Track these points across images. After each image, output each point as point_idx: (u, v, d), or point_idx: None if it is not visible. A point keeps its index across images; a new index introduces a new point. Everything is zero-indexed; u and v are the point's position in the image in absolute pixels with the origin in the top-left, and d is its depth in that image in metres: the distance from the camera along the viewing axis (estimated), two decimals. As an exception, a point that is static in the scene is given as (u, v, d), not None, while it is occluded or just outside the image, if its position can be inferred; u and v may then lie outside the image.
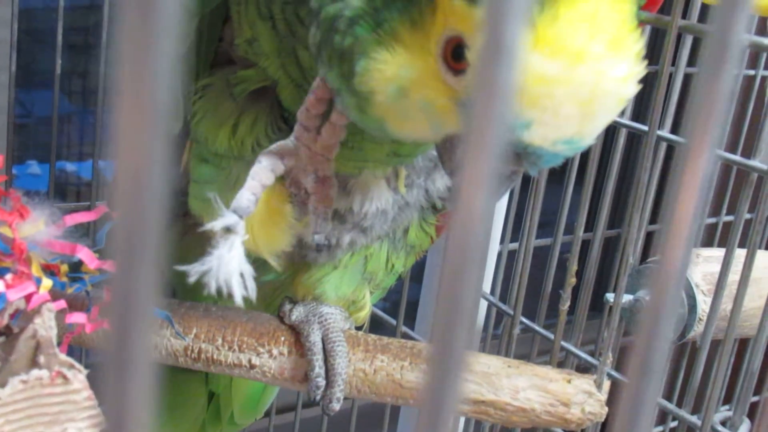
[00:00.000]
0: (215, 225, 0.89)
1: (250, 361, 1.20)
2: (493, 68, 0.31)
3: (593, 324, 1.72)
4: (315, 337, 1.17)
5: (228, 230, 0.89)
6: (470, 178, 0.34)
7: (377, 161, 1.07)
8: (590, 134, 0.77)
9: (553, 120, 0.74)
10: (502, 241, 1.64)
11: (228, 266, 0.88)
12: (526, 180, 1.84)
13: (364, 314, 1.28)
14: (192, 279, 0.87)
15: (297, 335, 1.20)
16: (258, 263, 0.99)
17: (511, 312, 1.48)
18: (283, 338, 1.20)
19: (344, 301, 1.25)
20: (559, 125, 0.74)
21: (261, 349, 1.20)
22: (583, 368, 1.33)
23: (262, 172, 0.99)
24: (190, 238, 1.18)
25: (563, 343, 1.41)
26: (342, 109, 0.90)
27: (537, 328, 1.49)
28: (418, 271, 1.89)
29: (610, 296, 1.48)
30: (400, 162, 1.11)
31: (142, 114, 0.28)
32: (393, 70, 0.78)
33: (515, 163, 0.80)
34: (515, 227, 1.68)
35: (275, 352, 1.20)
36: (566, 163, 1.64)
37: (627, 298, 1.50)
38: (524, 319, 1.48)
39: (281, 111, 1.05)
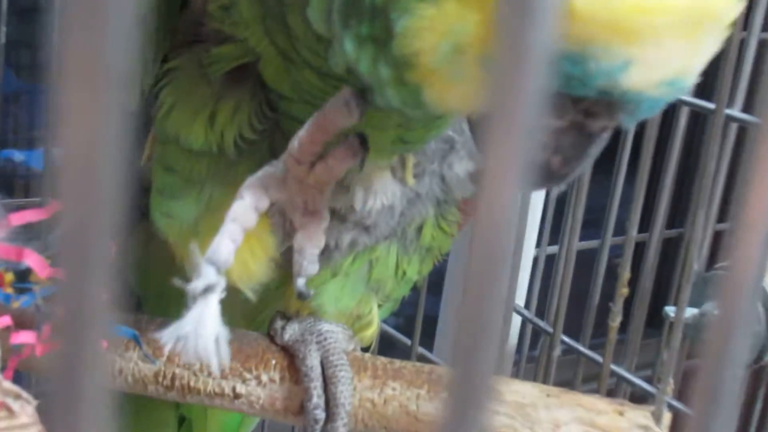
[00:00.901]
0: (195, 287, 0.93)
1: (234, 389, 1.19)
2: (522, 20, 0.31)
3: (650, 344, 1.73)
4: (312, 360, 1.17)
5: (209, 288, 0.94)
6: (496, 163, 0.34)
7: (381, 150, 1.08)
8: (696, 70, 0.78)
9: (656, 56, 0.75)
10: (538, 244, 1.65)
11: (205, 331, 0.93)
12: None
13: (372, 332, 1.28)
14: (166, 348, 0.91)
15: (291, 358, 1.20)
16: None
17: (550, 329, 1.48)
18: (273, 361, 1.20)
19: (347, 316, 1.25)
20: (663, 62, 0.75)
21: (248, 375, 1.20)
22: (639, 397, 1.32)
23: (244, 212, 1.01)
24: (156, 246, 1.19)
25: (614, 367, 1.40)
26: (371, 89, 0.90)
27: (582, 348, 1.49)
28: (436, 280, 1.89)
29: (670, 310, 1.48)
30: (407, 149, 1.11)
31: (93, 89, 0.28)
32: (445, 24, 0.79)
33: (606, 116, 0.81)
34: (554, 227, 1.68)
35: (265, 378, 1.20)
36: (615, 149, 1.66)
37: (691, 312, 1.49)
38: (566, 338, 1.47)
39: (265, 94, 1.06)
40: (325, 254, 1.17)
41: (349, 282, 1.23)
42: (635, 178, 1.38)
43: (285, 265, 1.17)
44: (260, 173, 1.04)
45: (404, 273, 1.25)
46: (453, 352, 0.34)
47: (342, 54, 0.89)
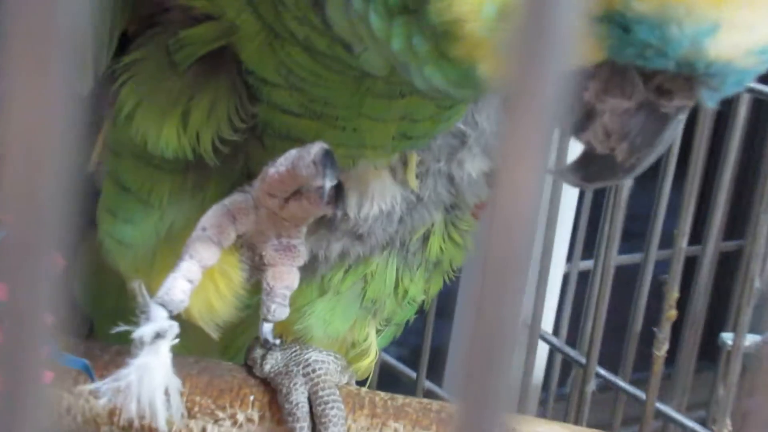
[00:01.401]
0: (142, 334, 0.96)
1: (204, 431, 1.18)
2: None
3: (703, 378, 1.73)
4: (298, 396, 1.16)
5: (159, 334, 0.96)
6: (514, 148, 0.34)
7: (379, 147, 1.08)
8: None
9: (747, 19, 0.75)
10: (569, 259, 1.66)
11: (151, 381, 0.95)
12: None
13: (369, 362, 1.28)
14: (102, 400, 0.94)
15: (272, 393, 1.19)
16: None
17: (584, 360, 1.47)
18: (252, 397, 1.20)
19: (339, 343, 1.25)
20: (754, 26, 0.76)
21: (220, 414, 1.19)
22: None
23: (204, 247, 1.03)
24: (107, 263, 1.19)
25: (659, 406, 1.40)
26: (398, 67, 0.90)
27: (621, 383, 1.48)
28: (446, 303, 1.88)
29: (727, 337, 1.47)
30: (410, 146, 1.11)
31: (39, 66, 0.28)
32: None
33: (684, 93, 0.80)
34: (588, 239, 1.69)
35: (241, 417, 1.19)
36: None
37: (752, 339, 1.46)
38: (602, 371, 1.47)
39: (246, 86, 1.06)
40: (310, 266, 1.18)
41: (341, 301, 1.23)
42: (684, 181, 1.38)
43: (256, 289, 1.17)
44: (227, 201, 1.05)
45: (406, 292, 1.25)
46: (461, 383, 0.35)
47: (368, 32, 0.88)
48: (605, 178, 0.91)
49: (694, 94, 0.80)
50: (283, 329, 1.23)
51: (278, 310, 1.08)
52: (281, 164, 1.01)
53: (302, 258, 1.07)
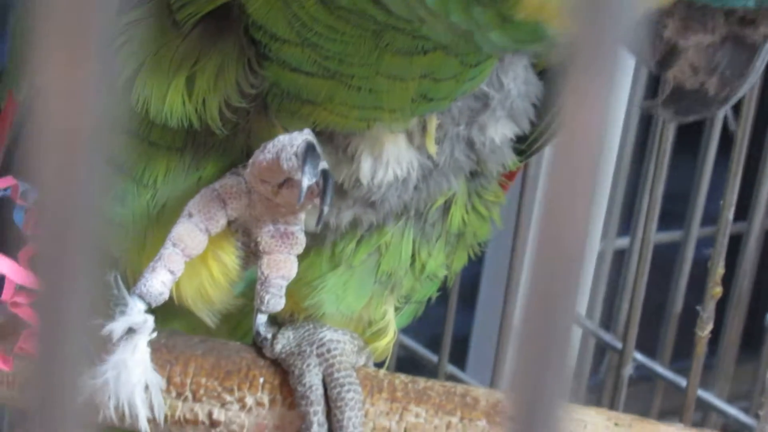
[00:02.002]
0: (112, 330, 0.97)
1: (210, 415, 1.18)
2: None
3: (748, 363, 1.70)
4: (312, 378, 1.16)
5: (131, 329, 0.97)
6: (581, 91, 0.34)
7: (398, 109, 1.06)
8: None
9: None
10: (603, 236, 1.63)
11: (130, 378, 0.97)
12: (641, 146, 1.85)
13: (387, 342, 1.27)
14: (79, 399, 0.90)
15: (284, 375, 1.19)
16: None
17: (619, 344, 1.45)
18: (262, 380, 1.19)
19: (355, 321, 1.24)
20: None
21: (228, 397, 1.18)
22: (732, 430, 1.35)
23: (189, 234, 1.03)
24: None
25: (701, 393, 1.37)
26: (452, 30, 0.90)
27: (659, 369, 1.46)
28: (469, 290, 1.86)
29: (775, 319, 1.46)
30: (431, 109, 1.09)
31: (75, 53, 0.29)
32: None
33: None
34: (624, 215, 1.68)
35: (250, 401, 1.18)
36: (702, 122, 1.64)
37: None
38: (639, 356, 1.45)
39: (255, 47, 1.05)
40: (320, 235, 1.17)
41: (354, 275, 1.22)
42: (729, 158, 1.36)
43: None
44: (217, 184, 1.05)
45: (423, 266, 1.24)
46: (515, 372, 0.36)
47: (425, 9, 0.89)
48: (698, 112, 0.96)
49: None
50: (293, 305, 1.22)
51: (272, 301, 1.08)
52: (269, 151, 1.01)
53: (300, 246, 1.07)
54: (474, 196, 1.22)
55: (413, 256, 1.23)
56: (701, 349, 1.32)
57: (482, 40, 0.90)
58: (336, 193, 1.13)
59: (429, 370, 1.61)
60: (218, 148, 1.10)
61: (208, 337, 1.22)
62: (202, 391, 1.18)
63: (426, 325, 1.38)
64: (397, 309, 1.27)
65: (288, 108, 1.06)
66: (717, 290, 1.29)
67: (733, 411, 1.40)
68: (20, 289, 0.99)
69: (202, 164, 1.10)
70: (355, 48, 0.99)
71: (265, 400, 1.18)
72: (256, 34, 1.04)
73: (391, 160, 1.12)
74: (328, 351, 1.17)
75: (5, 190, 1.05)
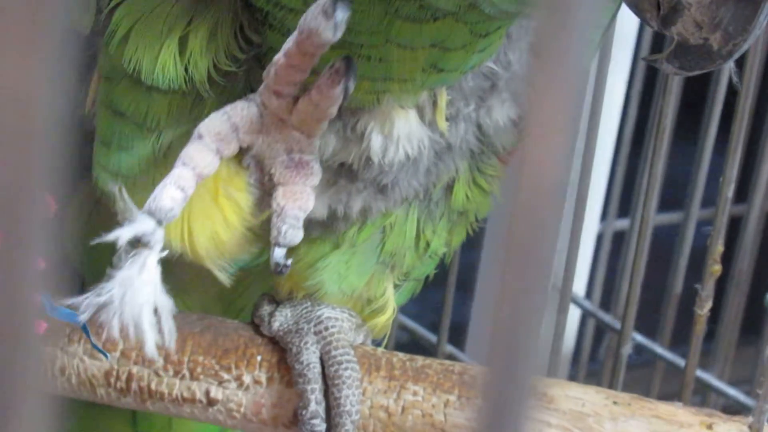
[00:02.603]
0: (121, 234, 0.92)
1: (207, 393, 1.18)
2: None
3: (748, 344, 1.70)
4: (310, 356, 1.16)
5: (139, 242, 0.93)
6: (546, 83, 0.34)
7: (407, 80, 1.05)
8: None
9: None
10: (603, 218, 1.63)
11: (136, 297, 0.92)
12: (640, 127, 1.85)
13: (386, 319, 1.26)
14: (82, 316, 0.91)
15: (281, 353, 1.19)
16: None
17: (618, 325, 1.44)
18: (259, 357, 1.19)
19: (354, 299, 1.23)
20: None
21: (225, 375, 1.18)
22: (732, 411, 1.30)
23: (200, 154, 1.00)
24: (104, 213, 1.16)
25: (700, 374, 1.37)
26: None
27: (658, 349, 1.47)
28: (467, 275, 1.86)
29: (774, 299, 1.46)
30: (441, 81, 1.08)
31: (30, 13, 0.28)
32: None
33: None
34: (624, 196, 1.68)
35: (247, 379, 1.18)
36: (702, 103, 1.64)
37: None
38: (638, 336, 1.46)
39: (250, 12, 1.04)
40: (329, 225, 1.17)
41: (357, 255, 1.21)
42: (729, 139, 1.35)
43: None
44: (228, 108, 1.02)
45: (427, 244, 1.23)
46: (486, 343, 0.35)
47: None
48: (703, 67, 0.98)
49: None
50: (293, 285, 1.22)
51: (290, 232, 1.03)
52: (287, 42, 0.98)
53: (316, 177, 1.04)
54: (476, 171, 1.22)
55: (417, 234, 1.23)
56: (700, 327, 1.31)
57: (486, 3, 0.90)
58: (346, 176, 1.13)
59: (429, 352, 1.61)
60: (220, 90, 1.08)
61: (205, 315, 1.22)
62: (199, 369, 1.18)
63: (426, 311, 1.38)
64: (396, 286, 1.27)
65: None
66: (716, 268, 1.29)
67: (732, 392, 1.39)
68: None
69: (204, 102, 1.09)
70: (364, 15, 0.98)
71: (263, 378, 1.18)
72: (259, 1, 1.02)
73: (401, 137, 1.11)
74: (326, 329, 1.17)
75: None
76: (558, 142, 0.34)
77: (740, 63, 1.39)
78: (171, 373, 1.18)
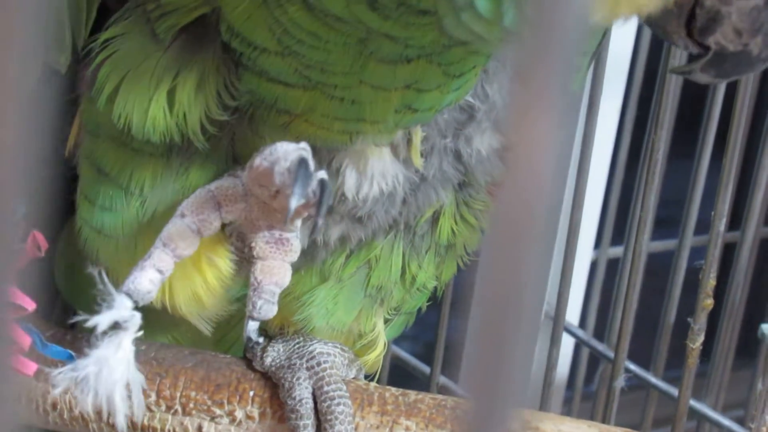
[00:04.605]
0: (98, 323, 0.96)
1: (200, 428, 1.18)
2: None
3: (741, 375, 1.71)
4: (302, 392, 1.16)
5: (116, 324, 0.97)
6: (530, 94, 0.33)
7: (380, 121, 1.06)
8: None
9: None
10: (597, 245, 1.63)
11: (111, 375, 0.97)
12: (634, 154, 1.85)
13: (377, 354, 1.27)
14: (57, 390, 0.96)
15: (274, 388, 1.19)
16: None
17: (612, 354, 1.45)
18: (251, 393, 1.19)
19: (345, 334, 1.24)
20: None
21: (217, 411, 1.19)
22: None
23: (180, 234, 1.03)
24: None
25: (694, 404, 1.38)
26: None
27: (652, 379, 1.47)
28: (461, 296, 1.86)
29: (767, 329, 1.45)
30: (415, 121, 1.09)
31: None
32: None
33: None
34: (618, 224, 1.68)
35: (239, 414, 1.19)
36: (698, 125, 1.64)
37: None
38: (632, 366, 1.46)
39: (234, 60, 1.04)
40: (309, 252, 1.17)
41: (344, 289, 1.22)
42: (723, 163, 1.35)
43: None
44: (213, 185, 1.05)
45: (414, 278, 1.24)
46: (470, 373, 0.35)
47: (455, 22, 0.89)
48: (741, 72, 1.02)
49: None
50: (282, 319, 1.22)
51: (264, 307, 1.07)
52: (265, 158, 1.01)
53: (295, 253, 1.07)
54: (463, 206, 1.22)
55: (403, 268, 1.23)
56: (693, 360, 1.31)
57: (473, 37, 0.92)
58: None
59: (421, 381, 1.61)
60: (203, 153, 1.09)
61: (198, 350, 1.23)
62: (191, 405, 1.18)
63: (420, 332, 1.38)
64: (386, 321, 1.27)
65: (268, 119, 1.05)
66: (708, 302, 1.29)
67: (726, 422, 1.39)
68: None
69: (189, 169, 1.10)
70: (339, 56, 0.98)
71: (255, 413, 1.18)
72: (233, 42, 1.03)
73: (375, 174, 1.12)
74: (318, 364, 1.17)
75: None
76: (541, 167, 0.33)
77: (733, 90, 1.40)
78: (163, 408, 1.18)
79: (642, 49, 1.74)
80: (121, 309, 0.97)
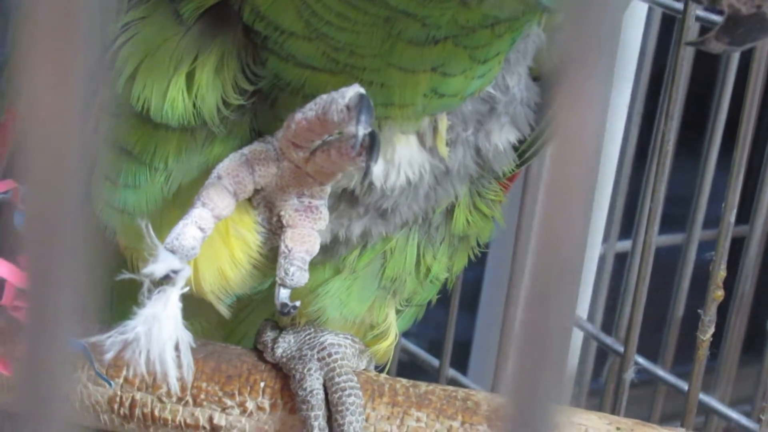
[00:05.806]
0: (154, 270, 0.94)
1: (211, 420, 1.19)
2: None
3: (750, 367, 1.70)
4: (313, 383, 1.17)
5: (165, 279, 0.95)
6: (575, 94, 0.35)
7: (408, 105, 1.07)
8: None
9: None
10: (605, 239, 1.64)
11: (161, 333, 0.95)
12: (642, 150, 1.85)
13: (388, 345, 1.27)
14: (108, 354, 0.94)
15: (285, 379, 1.20)
16: None
17: (621, 348, 1.45)
18: (263, 384, 1.20)
19: (356, 325, 1.25)
20: None
21: (228, 402, 1.19)
22: None
23: (218, 196, 1.02)
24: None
25: (703, 397, 1.38)
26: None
27: (661, 373, 1.47)
28: (471, 294, 1.87)
29: (776, 323, 1.46)
30: (442, 107, 1.10)
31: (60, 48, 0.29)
32: None
33: None
34: (626, 218, 1.68)
35: (250, 405, 1.19)
36: (705, 122, 1.64)
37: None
38: (641, 359, 1.45)
39: (255, 44, 1.05)
40: (330, 249, 1.17)
41: (358, 281, 1.22)
42: (732, 158, 1.35)
43: (275, 259, 1.16)
44: (246, 149, 1.04)
45: (428, 269, 1.24)
46: (512, 372, 0.35)
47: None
48: (757, 38, 0.98)
49: None
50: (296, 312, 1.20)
51: (297, 273, 1.05)
52: (310, 109, 1.00)
53: (324, 221, 1.06)
54: (476, 196, 1.22)
55: (418, 259, 1.23)
56: (703, 353, 1.31)
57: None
58: (347, 201, 1.14)
59: (431, 375, 1.62)
60: (225, 129, 1.09)
61: (209, 341, 1.23)
62: (202, 396, 1.19)
63: (428, 330, 1.39)
64: (398, 312, 1.27)
65: (293, 104, 1.05)
66: (718, 293, 1.28)
67: (735, 415, 1.39)
68: (21, 292, 0.98)
69: (213, 143, 1.10)
70: (367, 37, 0.99)
71: (266, 404, 1.19)
72: (258, 25, 1.03)
73: (403, 162, 1.12)
74: (329, 355, 1.18)
75: (5, 193, 1.05)
76: (584, 156, 0.35)
77: (742, 84, 1.41)
78: (174, 399, 1.19)
79: (650, 42, 1.74)
80: (169, 260, 0.95)
